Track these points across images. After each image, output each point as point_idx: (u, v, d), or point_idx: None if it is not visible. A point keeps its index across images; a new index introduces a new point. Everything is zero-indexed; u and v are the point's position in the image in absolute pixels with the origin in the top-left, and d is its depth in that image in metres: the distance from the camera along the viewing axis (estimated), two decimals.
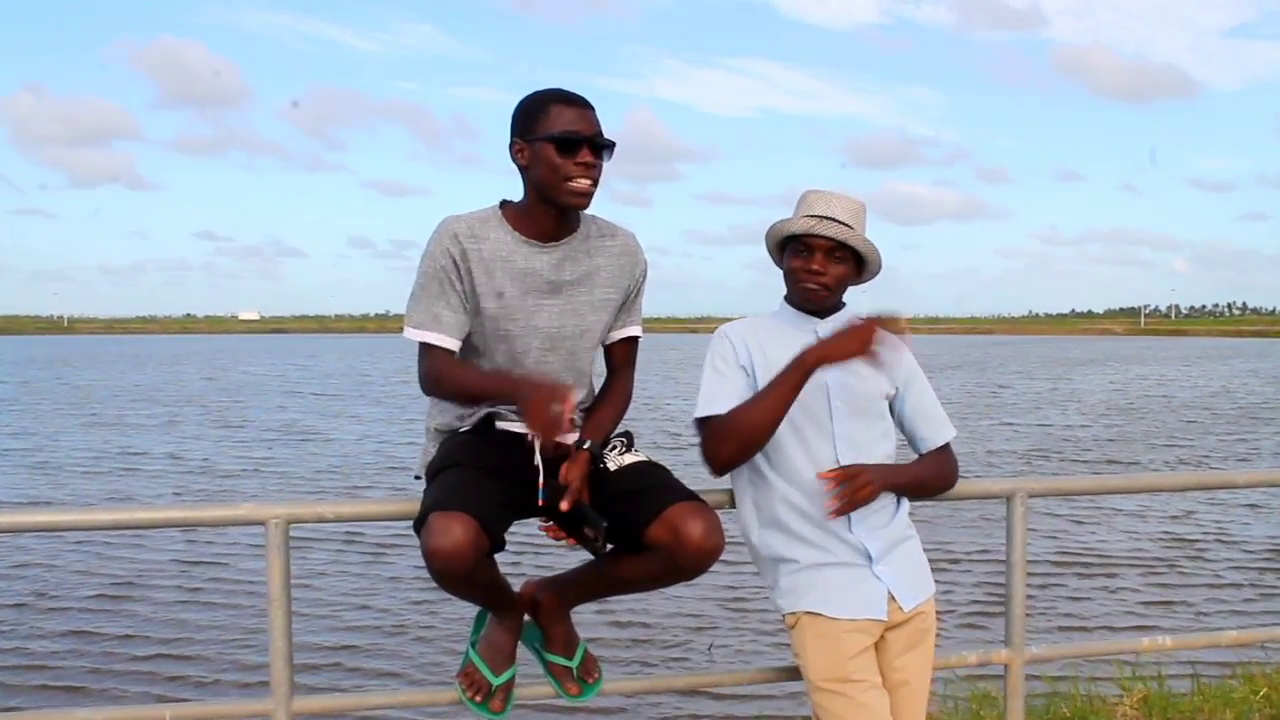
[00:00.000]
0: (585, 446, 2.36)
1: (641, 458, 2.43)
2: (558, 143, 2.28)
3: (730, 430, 2.37)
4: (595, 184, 2.33)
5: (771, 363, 2.45)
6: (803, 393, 2.40)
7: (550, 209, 2.37)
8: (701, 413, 2.43)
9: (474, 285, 2.36)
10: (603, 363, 2.61)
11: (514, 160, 2.38)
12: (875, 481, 2.36)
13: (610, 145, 2.35)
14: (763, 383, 2.43)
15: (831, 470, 2.37)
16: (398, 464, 16.04)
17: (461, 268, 2.35)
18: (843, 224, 2.41)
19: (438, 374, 2.34)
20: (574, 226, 2.43)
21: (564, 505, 2.24)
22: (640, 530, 2.24)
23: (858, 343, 2.30)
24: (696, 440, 2.46)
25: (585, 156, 2.30)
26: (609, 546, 2.31)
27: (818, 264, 2.43)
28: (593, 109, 2.35)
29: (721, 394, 2.43)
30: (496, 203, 2.45)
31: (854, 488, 2.33)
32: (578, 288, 2.43)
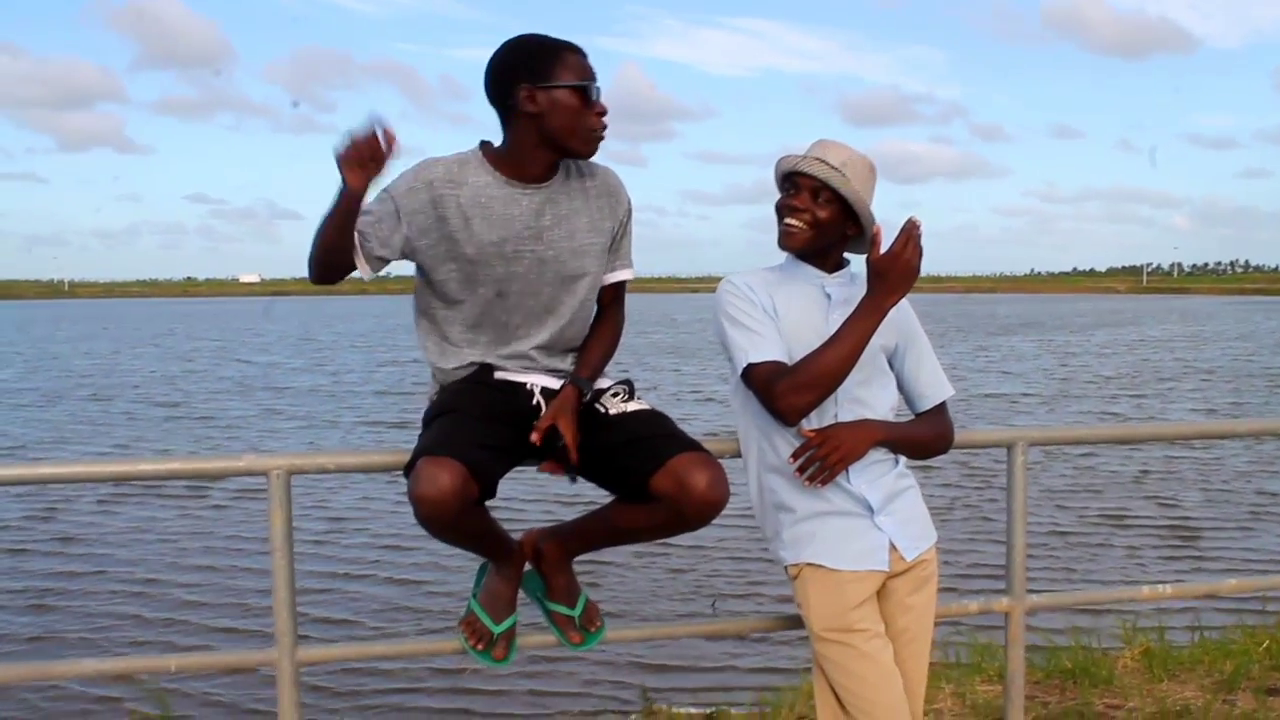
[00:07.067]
0: (571, 381, 2.37)
1: (644, 405, 2.41)
2: (582, 92, 2.30)
3: (813, 378, 2.29)
4: None
5: (783, 313, 2.42)
6: (802, 347, 2.38)
7: (549, 155, 2.35)
8: (754, 359, 2.34)
9: (449, 232, 2.34)
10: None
11: (515, 106, 2.30)
12: (845, 445, 2.33)
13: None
14: (783, 331, 2.40)
15: (808, 430, 2.36)
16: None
17: (426, 216, 2.32)
18: (832, 167, 2.36)
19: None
20: (555, 170, 2.42)
21: (534, 437, 2.26)
22: (644, 480, 2.22)
23: (912, 271, 2.29)
24: (749, 390, 2.39)
25: (600, 107, 2.33)
26: (579, 478, 2.34)
27: (799, 201, 2.39)
28: None
29: (768, 340, 2.37)
30: (476, 144, 2.42)
31: (823, 453, 2.32)
32: (558, 231, 2.40)
